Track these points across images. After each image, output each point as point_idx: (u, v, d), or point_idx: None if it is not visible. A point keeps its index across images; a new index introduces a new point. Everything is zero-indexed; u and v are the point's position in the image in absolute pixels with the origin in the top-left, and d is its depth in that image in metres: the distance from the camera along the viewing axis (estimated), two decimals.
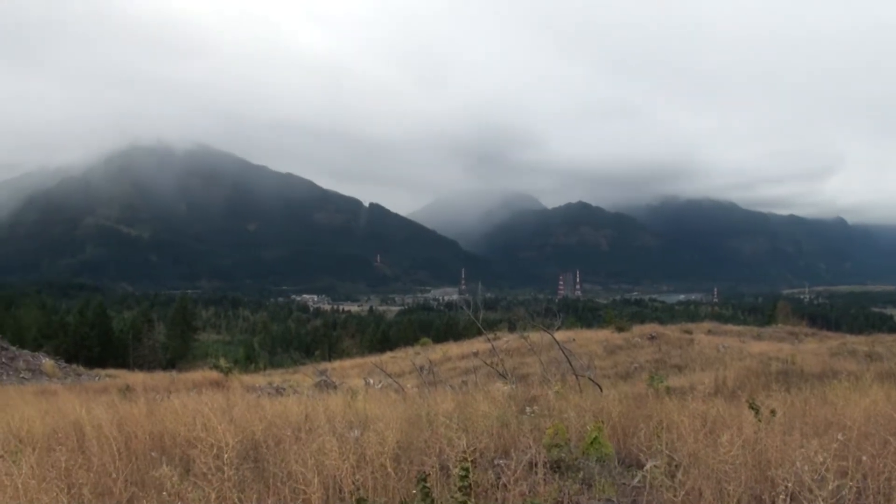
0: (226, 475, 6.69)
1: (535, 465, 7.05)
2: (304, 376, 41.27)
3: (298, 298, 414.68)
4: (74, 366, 50.31)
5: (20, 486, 6.28)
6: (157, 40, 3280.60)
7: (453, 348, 56.08)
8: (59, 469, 7.15)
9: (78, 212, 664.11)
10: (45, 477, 6.70)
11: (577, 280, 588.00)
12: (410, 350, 61.91)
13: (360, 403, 12.75)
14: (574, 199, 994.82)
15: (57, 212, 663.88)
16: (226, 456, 6.84)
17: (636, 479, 7.42)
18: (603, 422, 9.03)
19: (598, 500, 7.03)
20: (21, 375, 39.41)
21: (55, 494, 6.31)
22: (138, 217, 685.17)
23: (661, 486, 6.51)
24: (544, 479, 6.97)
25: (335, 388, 25.58)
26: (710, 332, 56.31)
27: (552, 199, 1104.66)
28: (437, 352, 54.00)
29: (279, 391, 25.21)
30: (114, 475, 7.36)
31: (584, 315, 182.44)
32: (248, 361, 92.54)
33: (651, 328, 54.17)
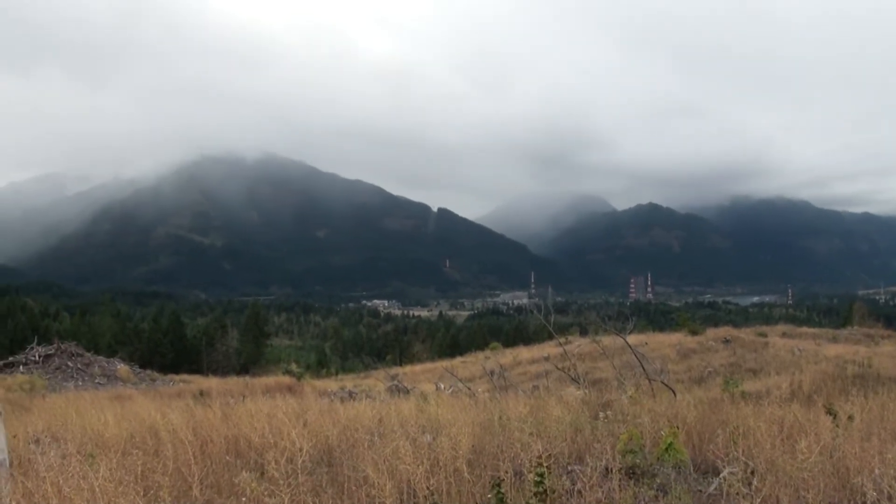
0: (300, 480, 6.78)
1: (610, 471, 7.01)
2: (375, 381, 41.52)
3: (369, 304, 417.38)
4: (149, 371, 51.21)
5: (97, 488, 6.39)
6: (225, 53, 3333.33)
7: (524, 352, 55.95)
8: (135, 472, 7.28)
9: (150, 222, 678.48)
10: (121, 480, 6.81)
11: (649, 283, 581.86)
12: (480, 354, 61.89)
13: (432, 408, 12.79)
14: (644, 201, 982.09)
15: (130, 222, 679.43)
16: (300, 461, 6.92)
17: (712, 487, 7.32)
18: (678, 427, 8.93)
19: None
20: (96, 381, 40.26)
21: (132, 497, 6.41)
22: (210, 226, 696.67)
23: (737, 493, 6.43)
24: (619, 486, 6.93)
25: (407, 392, 25.67)
26: (784, 334, 55.36)
27: (621, 201, 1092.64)
28: (508, 356, 53.90)
29: (351, 396, 25.32)
30: (190, 479, 7.48)
31: (656, 318, 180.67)
32: (319, 366, 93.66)
33: (725, 331, 53.46)
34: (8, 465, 8.55)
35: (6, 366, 43.06)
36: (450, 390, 23.65)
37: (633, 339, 22.81)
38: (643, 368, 18.19)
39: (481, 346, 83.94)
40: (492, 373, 28.41)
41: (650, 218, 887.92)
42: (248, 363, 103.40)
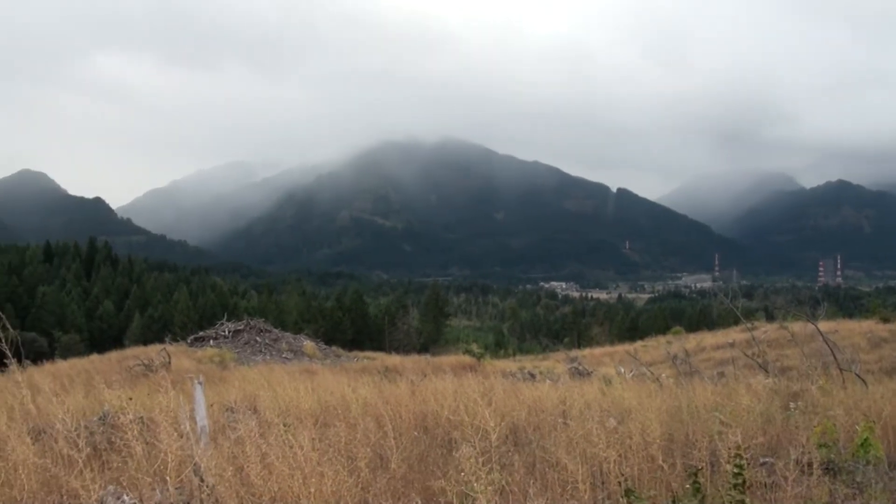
0: (493, 458, 7.02)
1: (809, 465, 6.91)
2: (554, 362, 41.65)
3: (546, 285, 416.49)
4: (333, 347, 52.98)
5: (302, 458, 6.77)
6: (403, 40, 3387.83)
7: (708, 338, 54.71)
8: (338, 444, 7.71)
9: (334, 205, 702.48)
10: (323, 450, 7.21)
11: (839, 266, 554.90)
12: (662, 339, 60.85)
13: (616, 392, 12.85)
14: (833, 178, 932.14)
15: (314, 206, 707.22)
16: (494, 438, 7.16)
17: None
18: (873, 422, 8.69)
19: None
20: (283, 356, 42.10)
21: (336, 468, 6.74)
22: (391, 209, 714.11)
23: None
24: (817, 482, 6.87)
25: (588, 375, 25.75)
26: None
27: (809, 178, 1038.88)
28: (691, 341, 52.82)
29: (532, 377, 25.60)
30: (388, 453, 7.84)
31: (845, 304, 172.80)
32: (497, 347, 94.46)
33: None
34: (208, 431, 9.30)
35: (197, 340, 45.52)
36: (631, 375, 23.56)
37: (822, 325, 22.04)
38: (834, 357, 17.65)
39: (662, 330, 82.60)
40: (675, 358, 28.10)
41: (839, 196, 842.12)
42: (428, 342, 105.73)
